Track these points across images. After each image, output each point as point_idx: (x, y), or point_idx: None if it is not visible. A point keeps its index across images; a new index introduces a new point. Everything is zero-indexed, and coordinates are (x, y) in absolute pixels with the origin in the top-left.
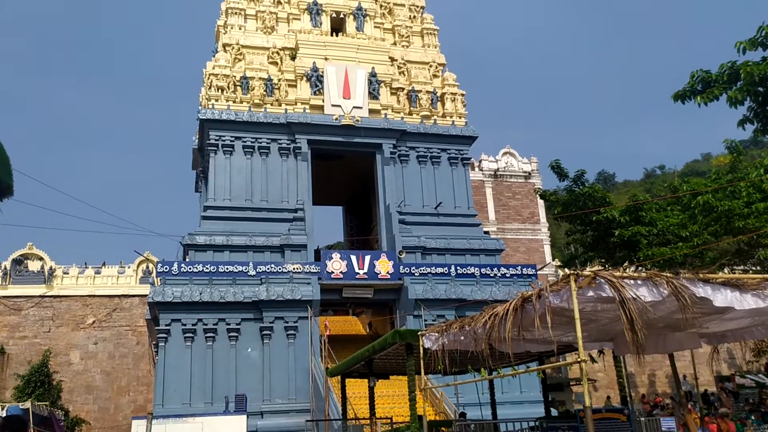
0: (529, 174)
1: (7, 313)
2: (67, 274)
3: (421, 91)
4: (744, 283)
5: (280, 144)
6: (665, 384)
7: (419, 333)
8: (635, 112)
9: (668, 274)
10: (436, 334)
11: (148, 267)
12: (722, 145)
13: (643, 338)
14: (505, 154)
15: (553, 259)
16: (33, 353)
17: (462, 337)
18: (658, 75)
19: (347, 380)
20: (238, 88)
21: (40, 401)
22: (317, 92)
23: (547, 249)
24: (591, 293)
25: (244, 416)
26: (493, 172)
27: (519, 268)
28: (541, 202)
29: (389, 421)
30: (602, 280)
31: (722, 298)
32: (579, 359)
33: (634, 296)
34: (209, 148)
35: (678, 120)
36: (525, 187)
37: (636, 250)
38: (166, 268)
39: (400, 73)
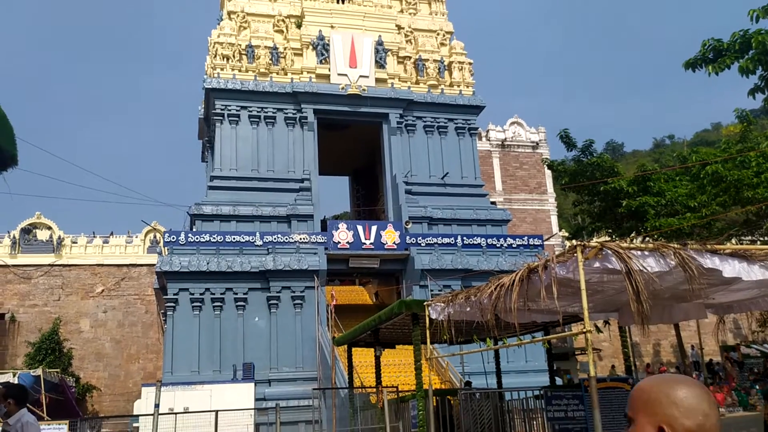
0: (537, 144)
1: (17, 282)
2: (76, 243)
3: (428, 60)
4: (752, 254)
5: (286, 114)
6: (670, 354)
7: (425, 303)
8: (645, 81)
9: (676, 245)
10: (442, 305)
11: (155, 237)
12: (732, 115)
13: (648, 309)
14: (512, 123)
15: (560, 230)
16: (43, 321)
17: (468, 308)
18: (668, 44)
19: (354, 349)
20: (244, 56)
21: (50, 368)
22: (323, 61)
23: (554, 220)
24: (597, 264)
25: (252, 384)
26: (500, 142)
27: (525, 238)
28: (548, 172)
29: (395, 389)
30: (609, 252)
31: (730, 269)
32: (584, 330)
33: (641, 268)
34: (215, 117)
35: (688, 89)
36: (532, 158)
37: (643, 221)
38: (173, 238)
39: (407, 41)
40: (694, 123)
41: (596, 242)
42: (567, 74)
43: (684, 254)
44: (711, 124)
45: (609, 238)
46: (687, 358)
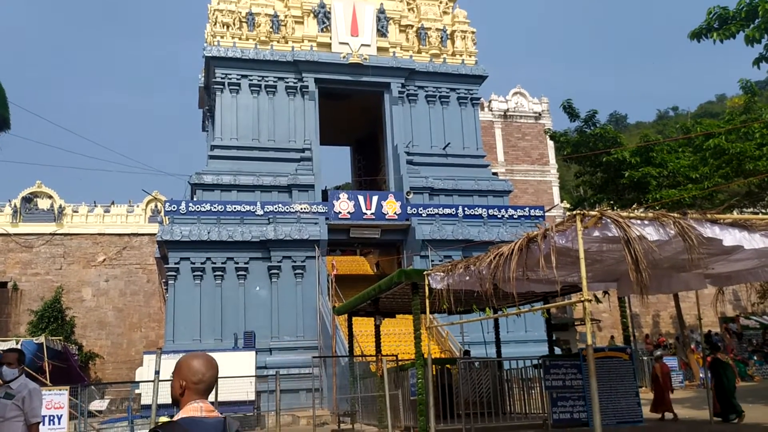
0: (540, 114)
1: (19, 251)
2: (77, 212)
3: (430, 28)
4: (752, 224)
5: (287, 82)
6: (669, 325)
7: (425, 273)
8: (649, 51)
9: (675, 215)
10: (442, 274)
11: (156, 206)
12: (737, 86)
13: (647, 278)
14: (515, 94)
15: (562, 201)
16: (45, 289)
17: (467, 277)
18: (672, 12)
19: (354, 319)
20: (244, 24)
21: (53, 336)
22: (324, 29)
23: (556, 191)
24: (596, 233)
25: (253, 352)
26: (502, 113)
27: (527, 209)
28: (551, 143)
29: (395, 358)
30: (608, 220)
31: (731, 237)
32: (582, 299)
33: (640, 236)
34: (215, 86)
35: (692, 60)
36: (535, 128)
37: (645, 193)
38: (174, 207)
39: (409, 9)
40: (698, 95)
41: (596, 211)
42: (571, 45)
43: (684, 223)
44: (715, 95)
45: (610, 209)
46: (685, 329)
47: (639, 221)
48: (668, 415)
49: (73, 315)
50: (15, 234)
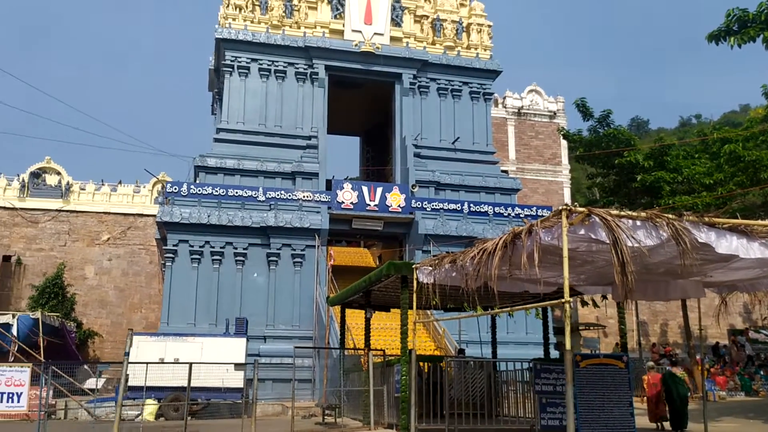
0: (554, 114)
1: (24, 225)
2: (84, 190)
3: (446, 20)
4: (753, 230)
5: (297, 68)
6: (677, 334)
7: (414, 266)
8: (674, 57)
9: (670, 216)
10: (430, 268)
11: (163, 188)
12: (762, 98)
13: (632, 282)
14: (530, 91)
15: (574, 203)
16: (49, 266)
17: (453, 273)
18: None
19: (351, 311)
20: (257, 7)
21: (53, 312)
22: (338, 16)
23: (567, 192)
24: (582, 232)
25: (244, 339)
26: (516, 110)
27: (534, 209)
28: (564, 143)
29: (382, 352)
30: (596, 218)
31: (726, 244)
32: (564, 300)
33: (630, 237)
34: (225, 69)
35: (717, 68)
36: (549, 127)
37: (658, 197)
38: (175, 189)
39: (425, 0)
40: (722, 104)
41: (583, 208)
42: (593, 47)
43: (678, 225)
44: (739, 105)
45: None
46: (692, 339)
47: (630, 222)
48: (667, 425)
49: (74, 292)
50: (21, 208)
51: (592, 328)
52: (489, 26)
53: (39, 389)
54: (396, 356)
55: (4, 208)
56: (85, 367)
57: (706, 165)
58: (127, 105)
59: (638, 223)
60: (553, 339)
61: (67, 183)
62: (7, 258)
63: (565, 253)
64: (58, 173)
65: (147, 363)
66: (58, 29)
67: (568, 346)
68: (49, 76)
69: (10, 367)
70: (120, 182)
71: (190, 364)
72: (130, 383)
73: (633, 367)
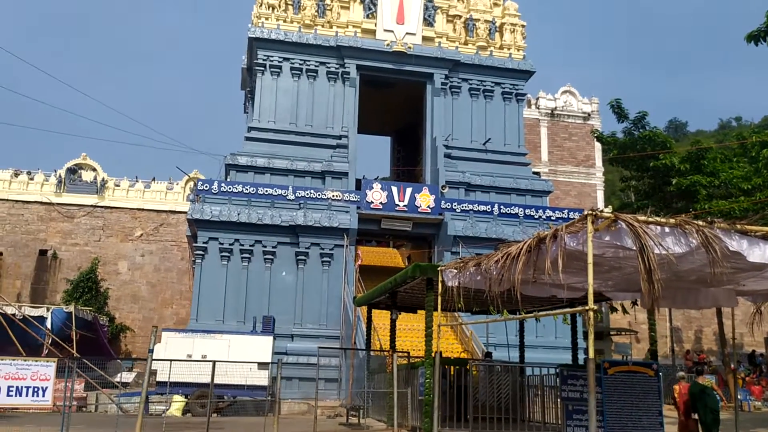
0: (589, 115)
1: (61, 220)
2: (119, 186)
3: (479, 20)
4: None
5: (329, 68)
6: (712, 341)
7: (439, 269)
8: (715, 58)
9: (700, 223)
10: (455, 271)
11: (195, 185)
12: None
13: (659, 290)
14: (564, 92)
15: (607, 206)
16: (83, 260)
17: (478, 276)
18: (743, 16)
19: (379, 312)
20: (290, 7)
21: (87, 306)
22: (370, 15)
23: (600, 194)
24: (608, 238)
25: (271, 338)
26: (549, 111)
27: (566, 211)
28: (598, 145)
29: (406, 354)
30: (622, 224)
31: (759, 253)
32: (587, 308)
33: (657, 245)
34: (257, 68)
35: (759, 69)
36: (583, 129)
37: (694, 202)
38: (206, 187)
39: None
40: (763, 105)
41: (611, 212)
42: (632, 47)
43: (708, 233)
44: None
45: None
46: (726, 347)
47: (659, 228)
48: None
49: (107, 287)
50: (58, 203)
51: (624, 333)
52: (522, 26)
53: (72, 382)
54: (420, 358)
55: (41, 203)
56: (118, 361)
57: (744, 169)
58: (162, 103)
59: (667, 229)
60: (582, 344)
61: (103, 179)
62: (43, 252)
63: (590, 259)
64: (94, 169)
65: (170, 360)
66: (95, 29)
67: (591, 354)
68: (84, 75)
69: (36, 361)
70: (154, 179)
71: (214, 362)
72: (158, 378)
73: (665, 374)
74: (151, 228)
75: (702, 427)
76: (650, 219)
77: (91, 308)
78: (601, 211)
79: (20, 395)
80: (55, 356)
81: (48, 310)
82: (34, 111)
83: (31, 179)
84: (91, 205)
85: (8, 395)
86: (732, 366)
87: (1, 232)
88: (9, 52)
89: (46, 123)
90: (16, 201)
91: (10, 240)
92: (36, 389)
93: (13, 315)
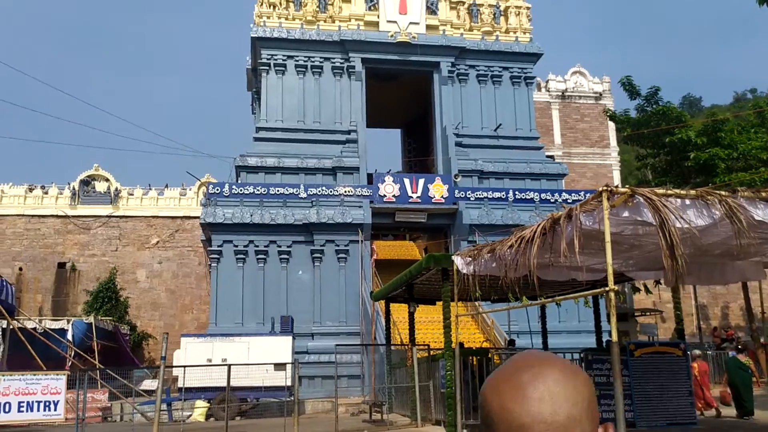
0: (600, 95)
1: (77, 232)
2: (132, 195)
3: (483, 4)
4: None
5: (333, 63)
6: (740, 317)
7: (452, 256)
8: (727, 30)
9: (723, 192)
10: (469, 259)
11: (207, 189)
12: None
13: (683, 267)
14: (574, 73)
15: (624, 186)
16: (101, 270)
17: (493, 263)
18: None
19: (398, 305)
20: (291, 4)
21: (108, 316)
22: (372, 7)
23: (617, 174)
24: (627, 214)
25: (290, 337)
26: (560, 93)
27: (582, 194)
28: (611, 125)
29: (426, 347)
30: (640, 198)
31: None
32: (608, 289)
33: (679, 218)
34: (261, 68)
35: None
36: (595, 109)
37: (713, 176)
38: (217, 190)
39: None
40: None
41: (627, 187)
42: (642, 22)
43: (732, 202)
44: None
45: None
46: (755, 322)
47: (679, 200)
48: (709, 413)
49: (127, 296)
50: (74, 216)
51: (648, 313)
52: (527, 8)
53: (83, 393)
54: (441, 350)
55: (57, 216)
56: (145, 369)
57: (762, 139)
58: (171, 110)
59: (687, 202)
60: (606, 327)
61: (116, 189)
62: (62, 265)
63: (608, 237)
64: (107, 180)
65: (184, 366)
66: (99, 37)
67: (614, 337)
68: (90, 84)
69: (46, 374)
70: (167, 186)
71: (229, 365)
72: (181, 384)
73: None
74: (166, 235)
75: (735, 399)
76: (669, 192)
77: (111, 318)
78: (617, 187)
79: (31, 410)
80: (77, 368)
81: (69, 322)
82: (37, 124)
83: (46, 193)
84: (106, 216)
85: (19, 411)
86: (762, 341)
87: (19, 247)
88: (12, 66)
89: (49, 135)
90: (32, 216)
91: (28, 255)
92: (47, 403)
93: (34, 329)
